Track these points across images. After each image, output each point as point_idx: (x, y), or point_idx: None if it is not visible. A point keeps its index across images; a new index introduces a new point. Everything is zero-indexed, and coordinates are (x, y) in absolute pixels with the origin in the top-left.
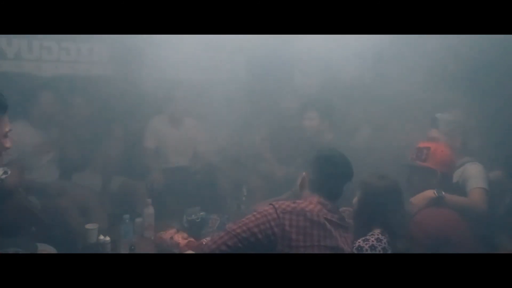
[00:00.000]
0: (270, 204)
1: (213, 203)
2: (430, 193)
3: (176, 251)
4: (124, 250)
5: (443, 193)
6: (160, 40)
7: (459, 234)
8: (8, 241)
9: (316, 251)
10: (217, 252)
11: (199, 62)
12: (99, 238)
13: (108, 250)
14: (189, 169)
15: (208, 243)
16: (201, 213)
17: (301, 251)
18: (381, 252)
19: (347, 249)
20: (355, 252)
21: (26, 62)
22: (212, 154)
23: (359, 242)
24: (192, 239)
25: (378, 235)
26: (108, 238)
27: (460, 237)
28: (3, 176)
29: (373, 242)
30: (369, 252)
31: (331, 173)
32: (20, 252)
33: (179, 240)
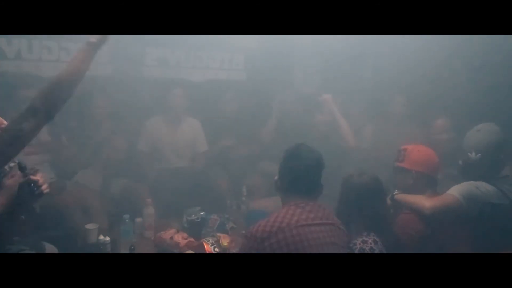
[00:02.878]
0: (245, 235)
1: (213, 203)
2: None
3: (176, 251)
4: (124, 250)
5: (395, 192)
6: (160, 40)
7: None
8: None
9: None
10: None
11: (199, 62)
12: (99, 238)
13: (108, 250)
14: (189, 169)
15: None
16: (201, 213)
17: None
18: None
19: (337, 248)
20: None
21: (26, 62)
22: (212, 154)
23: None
24: (192, 239)
25: (365, 237)
26: (108, 238)
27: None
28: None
29: (360, 245)
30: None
31: (296, 168)
32: (25, 251)
33: (179, 240)
